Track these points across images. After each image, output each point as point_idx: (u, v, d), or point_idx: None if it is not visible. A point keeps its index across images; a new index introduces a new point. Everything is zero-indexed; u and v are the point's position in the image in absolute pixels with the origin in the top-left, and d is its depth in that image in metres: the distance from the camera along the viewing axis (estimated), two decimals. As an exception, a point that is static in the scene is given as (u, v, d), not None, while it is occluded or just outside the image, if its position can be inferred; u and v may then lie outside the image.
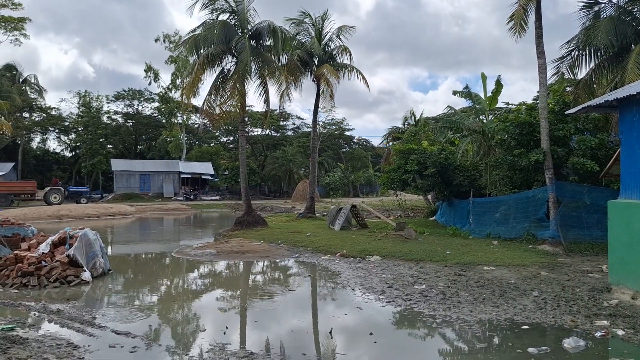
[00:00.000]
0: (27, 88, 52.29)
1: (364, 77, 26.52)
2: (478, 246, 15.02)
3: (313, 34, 26.39)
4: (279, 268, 13.83)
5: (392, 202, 31.76)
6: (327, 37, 26.73)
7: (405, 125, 37.16)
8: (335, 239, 17.36)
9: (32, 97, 54.42)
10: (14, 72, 51.48)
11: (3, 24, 46.06)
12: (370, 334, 7.19)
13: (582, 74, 16.62)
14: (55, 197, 43.38)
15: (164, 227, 30.80)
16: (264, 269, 13.91)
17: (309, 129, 64.76)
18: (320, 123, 55.09)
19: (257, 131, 67.16)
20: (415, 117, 36.65)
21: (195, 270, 13.83)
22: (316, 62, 26.41)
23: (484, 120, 22.32)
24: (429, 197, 27.88)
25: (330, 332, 7.24)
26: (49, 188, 44.64)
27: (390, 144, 37.58)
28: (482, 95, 23.01)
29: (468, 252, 13.94)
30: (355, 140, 76.35)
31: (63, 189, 44.74)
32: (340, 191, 55.82)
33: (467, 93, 23.41)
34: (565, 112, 13.02)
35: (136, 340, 6.77)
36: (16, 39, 48.15)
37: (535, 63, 15.03)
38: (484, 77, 22.61)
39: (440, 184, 20.87)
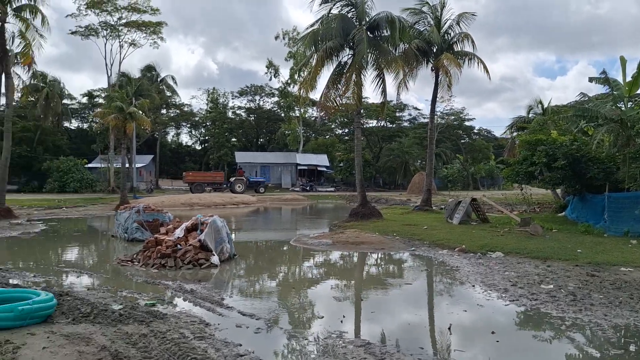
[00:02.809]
0: (164, 87, 57.34)
1: (484, 65, 25.29)
2: (614, 245, 13.66)
3: (432, 22, 25.66)
4: (394, 261, 13.76)
5: (516, 196, 30.00)
6: (447, 24, 25.83)
7: (531, 114, 34.82)
8: (454, 233, 16.84)
9: (168, 95, 59.60)
10: (153, 73, 56.73)
11: (144, 29, 50.92)
12: (492, 332, 6.89)
13: None
14: (239, 187, 47.14)
15: (282, 216, 32.15)
16: (379, 261, 13.93)
17: (425, 120, 63.38)
18: (438, 113, 53.72)
19: (373, 123, 67.26)
20: (542, 105, 34.18)
21: (312, 259, 14.25)
22: (434, 51, 25.67)
23: (623, 108, 20.13)
24: (558, 191, 25.90)
25: (449, 328, 7.06)
26: (234, 178, 48.69)
27: (515, 134, 35.50)
28: (620, 80, 20.75)
29: (602, 251, 12.74)
30: (475, 131, 73.27)
31: (245, 179, 48.67)
32: (458, 184, 53.98)
33: (604, 79, 21.22)
34: None
35: (259, 322, 7.16)
36: (154, 42, 53.04)
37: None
38: (623, 61, 20.35)
39: (571, 177, 19.25)
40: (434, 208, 26.80)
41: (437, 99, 27.56)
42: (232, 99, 73.83)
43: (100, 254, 15.73)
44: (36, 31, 23.84)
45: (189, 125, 77.54)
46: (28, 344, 5.32)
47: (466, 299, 8.91)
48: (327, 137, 72.22)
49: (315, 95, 30.06)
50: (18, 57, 26.96)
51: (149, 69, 56.62)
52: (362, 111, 25.51)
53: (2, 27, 23.49)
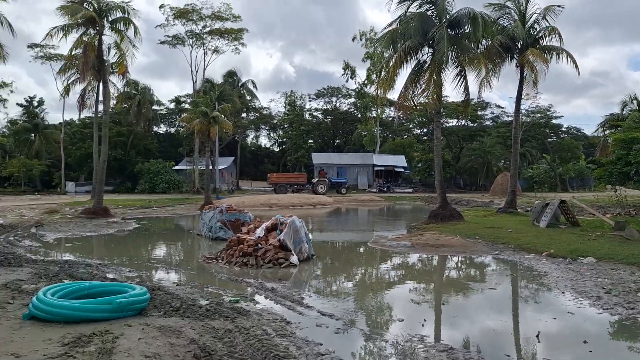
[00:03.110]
0: (245, 91, 59.34)
1: (573, 60, 23.80)
2: None
3: (516, 17, 24.53)
4: (476, 264, 13.30)
5: (609, 198, 27.91)
6: (532, 19, 24.59)
7: (625, 111, 32.37)
8: (541, 236, 15.98)
9: (248, 99, 61.60)
10: (234, 78, 58.90)
11: (226, 36, 53.01)
12: (584, 342, 6.46)
13: None
14: (321, 188, 47.83)
15: (359, 217, 32.12)
16: (460, 264, 13.52)
17: (509, 118, 60.78)
18: (523, 111, 51.23)
19: (452, 122, 65.53)
20: (638, 101, 31.66)
21: (390, 261, 14.11)
22: (519, 47, 24.54)
23: None
24: (658, 193, 23.85)
25: (537, 336, 6.70)
26: (317, 179, 49.52)
27: (608, 132, 33.16)
28: None
29: None
30: (563, 129, 69.24)
31: (327, 180, 49.62)
32: (545, 185, 51.16)
33: None
34: None
35: (339, 322, 7.19)
36: (236, 47, 55.04)
37: None
38: None
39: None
40: (519, 210, 25.60)
41: (522, 96, 26.36)
42: (309, 101, 75.06)
43: (187, 252, 16.54)
44: (129, 42, 25.54)
45: (267, 128, 79.70)
46: (125, 335, 5.69)
47: (555, 306, 8.43)
48: (404, 137, 71.27)
49: (393, 95, 29.79)
50: (113, 66, 29.03)
51: (230, 75, 58.86)
52: (441, 110, 24.86)
53: (100, 39, 25.40)
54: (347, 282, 11.30)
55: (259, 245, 11.97)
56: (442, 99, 23.36)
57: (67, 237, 18.28)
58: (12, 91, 61.59)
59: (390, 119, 71.09)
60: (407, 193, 53.26)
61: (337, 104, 76.09)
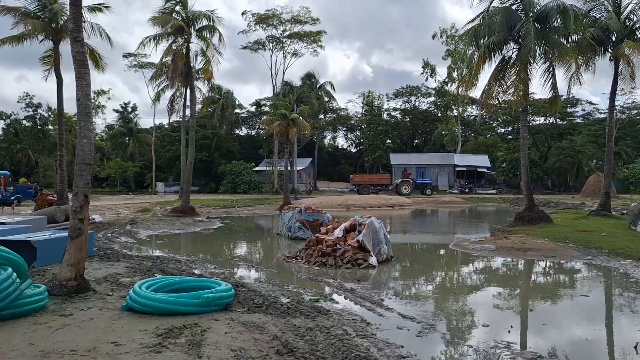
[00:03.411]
0: (323, 93, 60.04)
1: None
2: None
3: (610, 8, 22.90)
4: (566, 270, 12.54)
5: None
6: (628, 9, 22.87)
7: None
8: (638, 241, 14.78)
9: (326, 100, 62.25)
10: (312, 80, 59.78)
11: (305, 38, 53.93)
12: (694, 359, 5.89)
13: None
14: (405, 188, 47.79)
15: (439, 219, 31.38)
16: (549, 269, 12.81)
17: (602, 115, 56.97)
18: (618, 107, 47.74)
19: (540, 120, 62.36)
20: None
21: (473, 264, 13.66)
22: (613, 39, 22.88)
23: None
24: None
25: (635, 347, 6.20)
26: (400, 180, 49.42)
27: None
28: None
29: None
30: (663, 126, 63.54)
31: (412, 181, 49.46)
32: (643, 186, 47.21)
33: None
34: None
35: (420, 325, 7.06)
36: (314, 50, 55.83)
37: None
38: None
39: None
40: (613, 213, 23.84)
41: (617, 91, 24.52)
42: (387, 100, 74.42)
43: (267, 250, 17.00)
44: (214, 48, 26.70)
45: (344, 129, 79.98)
46: (212, 328, 5.95)
47: (659, 318, 7.76)
48: (487, 136, 68.75)
49: (476, 93, 28.84)
50: (199, 72, 30.47)
51: (308, 77, 59.80)
52: (527, 108, 23.67)
53: (187, 47, 26.76)
54: (427, 285, 11.08)
55: (338, 245, 12.04)
56: (529, 96, 22.25)
57: (158, 235, 19.42)
58: (109, 98, 66.67)
59: (472, 117, 68.89)
60: (491, 194, 51.30)
61: (416, 103, 74.95)
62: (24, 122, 55.81)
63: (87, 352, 5.02)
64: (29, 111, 54.63)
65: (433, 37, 59.50)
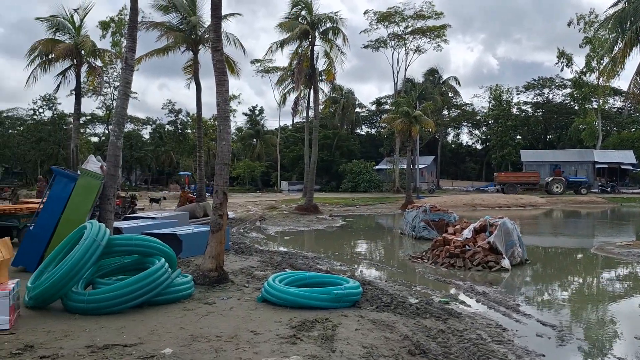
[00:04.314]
0: (446, 89, 58.30)
1: None
2: None
3: None
4: None
5: None
6: None
7: None
8: None
9: (450, 96, 60.35)
10: (435, 76, 58.31)
11: (428, 34, 52.75)
12: None
13: None
14: (557, 187, 45.50)
15: (577, 220, 28.84)
16: None
17: None
18: None
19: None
20: None
21: (619, 270, 12.32)
22: None
23: None
24: None
25: None
26: (551, 178, 46.86)
27: None
28: None
29: None
30: None
31: (564, 179, 46.92)
32: None
33: None
34: None
35: (562, 334, 6.52)
36: (438, 45, 54.37)
37: None
38: None
39: None
40: None
41: None
42: (517, 94, 69.98)
43: (391, 249, 16.90)
44: (338, 49, 27.19)
45: (469, 125, 76.81)
46: (343, 324, 6.03)
47: None
48: (632, 130, 61.70)
49: (618, 82, 26.03)
50: (323, 74, 31.22)
51: (431, 73, 58.45)
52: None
53: (312, 49, 27.60)
54: (567, 290, 10.22)
55: (467, 246, 11.58)
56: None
57: (285, 231, 20.28)
58: (239, 102, 71.02)
59: (615, 110, 62.31)
60: (636, 194, 45.98)
61: (550, 96, 69.58)
62: (167, 126, 61.72)
63: (230, 339, 5.37)
64: (171, 117, 60.33)
65: (569, 24, 54.73)
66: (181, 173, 42.45)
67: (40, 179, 21.40)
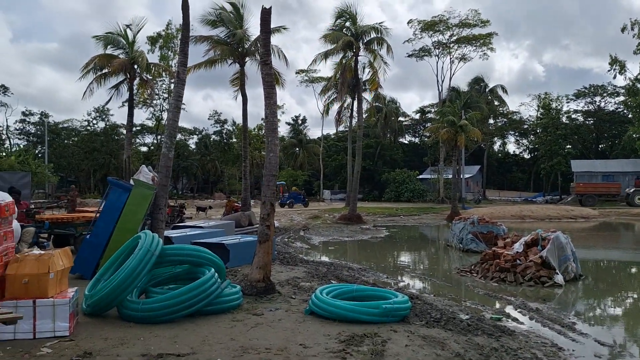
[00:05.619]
0: (492, 97, 57.11)
1: None
2: None
3: None
4: None
5: None
6: None
7: None
8: None
9: (497, 104, 59.07)
10: (481, 84, 57.25)
11: (474, 42, 51.90)
12: None
13: None
14: (639, 199, 43.36)
15: (635, 234, 27.50)
16: None
17: None
18: None
19: None
20: None
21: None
22: None
23: None
24: None
25: None
26: (633, 189, 44.73)
27: None
28: None
29: None
30: None
31: None
32: None
33: None
34: None
35: (621, 354, 6.22)
36: (484, 53, 53.43)
37: None
38: None
39: None
40: None
41: None
42: (567, 102, 67.72)
43: (438, 262, 16.58)
44: (382, 60, 27.15)
45: (516, 134, 74.82)
46: (392, 339, 5.95)
47: None
48: (694, 139, 58.47)
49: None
50: (366, 84, 31.20)
51: (476, 81, 57.46)
52: None
53: (356, 60, 27.66)
54: (626, 308, 9.75)
55: (518, 260, 11.23)
56: None
57: (329, 241, 20.26)
58: (283, 112, 71.74)
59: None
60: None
61: (602, 104, 66.99)
62: (213, 136, 63.10)
63: (279, 352, 5.39)
64: (217, 127, 61.66)
65: (622, 29, 52.48)
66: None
67: (73, 188, 22.09)
